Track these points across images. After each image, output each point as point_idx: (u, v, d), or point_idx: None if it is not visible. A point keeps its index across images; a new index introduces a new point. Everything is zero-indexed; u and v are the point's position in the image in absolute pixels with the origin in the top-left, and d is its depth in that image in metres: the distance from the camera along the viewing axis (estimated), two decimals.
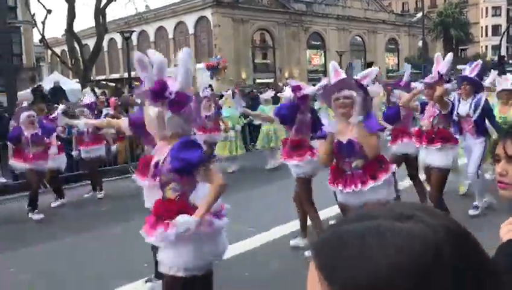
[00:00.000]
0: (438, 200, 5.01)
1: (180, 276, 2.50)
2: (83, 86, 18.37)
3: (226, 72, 32.31)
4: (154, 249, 2.97)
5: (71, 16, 20.10)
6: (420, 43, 46.56)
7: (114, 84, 23.91)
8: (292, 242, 4.84)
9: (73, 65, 20.76)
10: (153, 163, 2.69)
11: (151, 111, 2.61)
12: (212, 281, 2.69)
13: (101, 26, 20.65)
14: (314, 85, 5.18)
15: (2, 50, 12.03)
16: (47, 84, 17.90)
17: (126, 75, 33.46)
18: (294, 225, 5.14)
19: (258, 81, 34.93)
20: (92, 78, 25.62)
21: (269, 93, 10.94)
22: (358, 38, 44.44)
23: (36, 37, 32.88)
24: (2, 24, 12.02)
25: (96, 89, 17.72)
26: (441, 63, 5.19)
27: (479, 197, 5.76)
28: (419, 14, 48.04)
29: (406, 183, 6.38)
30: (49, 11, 22.13)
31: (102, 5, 20.35)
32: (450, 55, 5.40)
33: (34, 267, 4.74)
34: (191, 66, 2.71)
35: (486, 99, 5.61)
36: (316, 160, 4.56)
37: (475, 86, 5.58)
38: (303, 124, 4.74)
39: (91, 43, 24.25)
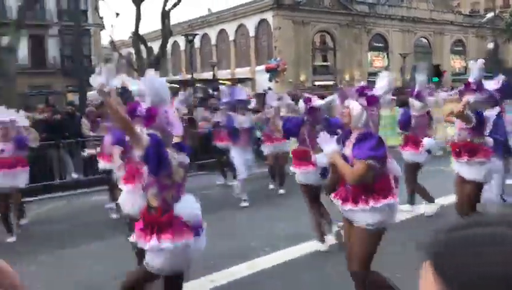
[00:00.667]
0: (464, 212, 4.79)
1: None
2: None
3: (285, 75, 32.23)
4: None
5: (138, 18, 20.79)
6: (490, 45, 44.32)
7: (177, 86, 24.51)
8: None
9: (139, 67, 21.45)
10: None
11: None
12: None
13: (166, 29, 21.21)
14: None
15: (75, 52, 12.65)
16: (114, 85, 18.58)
17: (188, 76, 34.32)
18: None
19: (317, 83, 34.60)
20: None
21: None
22: (423, 40, 42.92)
23: (105, 40, 34.47)
24: (75, 27, 12.62)
25: None
26: (473, 70, 4.96)
27: None
28: (489, 15, 45.73)
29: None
30: (117, 14, 23.05)
31: (168, 8, 20.91)
32: (480, 62, 5.00)
33: (109, 260, 4.88)
34: (158, 83, 3.12)
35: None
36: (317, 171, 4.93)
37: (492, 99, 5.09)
38: (308, 136, 5.06)
39: (155, 45, 24.99)
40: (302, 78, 34.58)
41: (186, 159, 3.13)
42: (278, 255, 4.99)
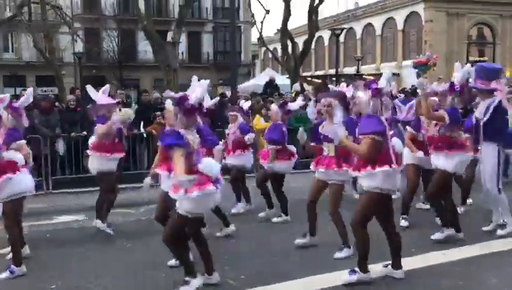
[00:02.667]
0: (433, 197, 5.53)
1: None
2: (293, 82, 19.42)
3: (435, 70, 30.25)
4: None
5: (286, 15, 21.30)
6: None
7: (320, 81, 24.66)
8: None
9: (285, 62, 22.01)
10: None
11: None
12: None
13: (313, 25, 21.40)
14: None
15: (230, 47, 13.47)
16: (262, 79, 19.45)
17: (331, 71, 34.26)
18: None
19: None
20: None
21: None
22: None
23: (253, 36, 36.04)
24: (231, 24, 13.44)
25: (305, 85, 18.55)
26: (458, 72, 5.37)
27: (507, 215, 5.58)
28: None
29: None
30: (267, 11, 23.90)
31: (315, 3, 21.06)
32: (467, 66, 5.61)
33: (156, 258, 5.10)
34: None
35: (500, 101, 5.38)
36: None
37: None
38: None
39: (300, 40, 25.37)
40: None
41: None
42: None
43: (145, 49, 27.79)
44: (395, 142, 4.36)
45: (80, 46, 28.00)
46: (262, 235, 5.92)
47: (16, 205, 4.75)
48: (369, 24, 38.01)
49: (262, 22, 25.97)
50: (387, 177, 4.13)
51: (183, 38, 28.20)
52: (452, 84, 5.37)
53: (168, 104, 4.15)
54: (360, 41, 38.96)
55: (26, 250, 5.22)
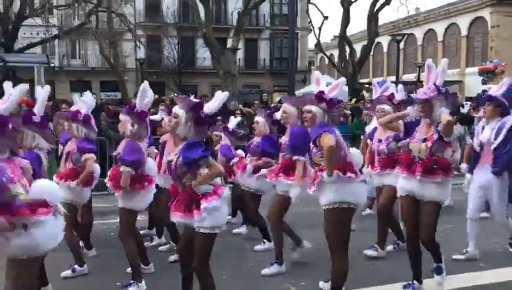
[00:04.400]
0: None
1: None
2: (351, 89, 19.16)
3: (502, 78, 28.84)
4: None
5: (345, 21, 21.09)
6: None
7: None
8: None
9: (343, 68, 21.77)
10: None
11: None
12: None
13: (372, 31, 21.04)
14: None
15: (288, 54, 13.49)
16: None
17: (389, 79, 33.49)
18: None
19: None
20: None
21: None
22: None
23: (310, 43, 35.95)
24: (290, 31, 13.47)
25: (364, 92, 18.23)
26: (434, 72, 4.22)
27: None
28: None
29: None
30: (326, 18, 23.77)
31: (375, 9, 20.71)
32: (444, 62, 4.34)
33: None
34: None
35: None
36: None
37: (500, 106, 4.82)
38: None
39: (358, 47, 25.00)
40: None
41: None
42: None
43: (203, 55, 28.39)
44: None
45: (142, 53, 29.03)
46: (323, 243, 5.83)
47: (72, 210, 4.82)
48: (431, 30, 36.83)
49: (320, 28, 25.85)
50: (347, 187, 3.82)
51: (240, 45, 28.58)
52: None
53: (177, 110, 3.56)
54: (420, 48, 37.83)
55: (92, 252, 5.47)
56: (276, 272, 4.80)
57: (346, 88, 4.78)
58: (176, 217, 3.56)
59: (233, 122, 6.54)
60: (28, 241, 2.85)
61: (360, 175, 3.84)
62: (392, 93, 5.40)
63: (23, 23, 19.20)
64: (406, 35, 26.41)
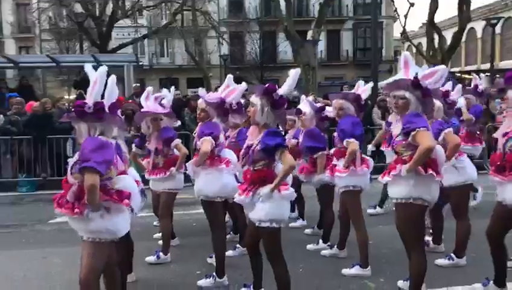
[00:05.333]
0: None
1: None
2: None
3: None
4: None
5: (434, 6, 19.97)
6: None
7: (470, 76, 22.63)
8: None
9: (431, 57, 20.66)
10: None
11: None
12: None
13: (464, 16, 19.72)
14: None
15: (372, 43, 13.07)
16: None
17: (484, 67, 31.25)
18: None
19: None
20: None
21: None
22: None
23: (396, 31, 34.59)
24: (373, 19, 13.04)
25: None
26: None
27: None
28: None
29: None
30: (412, 4, 22.67)
31: None
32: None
33: None
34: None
35: None
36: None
37: None
38: None
39: (448, 34, 23.58)
40: None
41: None
42: None
43: (285, 49, 28.41)
44: None
45: (225, 49, 29.69)
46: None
47: (171, 197, 5.14)
48: None
49: (406, 16, 24.68)
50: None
51: (322, 36, 28.19)
52: None
53: (252, 98, 3.57)
54: None
55: (176, 241, 5.69)
56: (358, 275, 4.58)
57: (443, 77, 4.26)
58: (237, 197, 3.62)
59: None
60: (110, 224, 3.08)
61: (441, 174, 3.58)
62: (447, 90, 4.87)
63: (115, 25, 20.44)
64: (502, 19, 24.51)
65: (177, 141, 5.01)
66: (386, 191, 4.28)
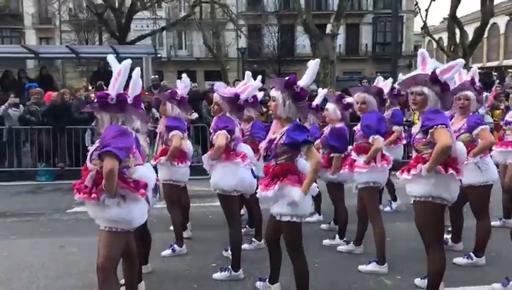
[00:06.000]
0: None
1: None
2: None
3: None
4: None
5: (456, 1, 19.63)
6: None
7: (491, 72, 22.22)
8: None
9: (452, 52, 20.32)
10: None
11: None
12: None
13: (487, 10, 19.33)
14: None
15: (392, 37, 12.90)
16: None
17: (506, 62, 30.65)
18: None
19: None
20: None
21: None
22: None
23: (416, 26, 34.08)
24: (394, 12, 12.85)
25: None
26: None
27: None
28: None
29: None
30: None
31: None
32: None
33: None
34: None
35: None
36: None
37: None
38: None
39: (469, 29, 23.16)
40: None
41: None
42: None
43: (303, 43, 28.21)
44: None
45: (243, 42, 29.60)
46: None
47: (173, 190, 5.09)
48: None
49: (427, 10, 24.30)
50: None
51: (341, 30, 27.92)
52: None
53: (273, 92, 3.51)
54: None
55: (188, 232, 5.69)
56: (375, 271, 4.52)
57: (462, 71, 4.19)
58: (260, 193, 3.56)
59: (317, 100, 5.79)
60: (126, 214, 3.09)
61: (461, 173, 3.50)
62: (473, 78, 4.76)
63: (134, 17, 20.52)
64: None
65: (175, 132, 4.93)
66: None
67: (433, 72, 3.42)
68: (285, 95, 3.43)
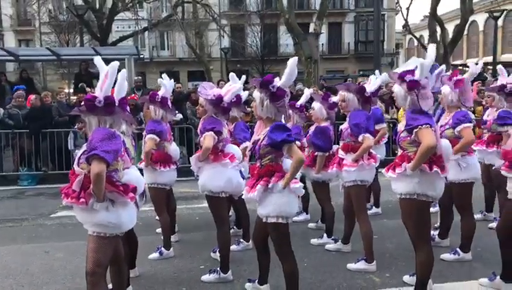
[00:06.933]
0: None
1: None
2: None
3: None
4: None
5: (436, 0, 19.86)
6: None
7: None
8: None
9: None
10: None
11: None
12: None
13: (467, 8, 19.59)
14: None
15: (373, 36, 12.99)
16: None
17: (486, 59, 31.10)
18: None
19: None
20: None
21: None
22: None
23: (398, 24, 34.39)
24: (375, 12, 12.93)
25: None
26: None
27: None
28: None
29: None
30: None
31: None
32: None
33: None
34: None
35: None
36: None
37: None
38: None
39: (450, 26, 23.47)
40: None
41: None
42: None
43: (286, 42, 28.26)
44: None
45: (226, 42, 29.53)
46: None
47: (159, 193, 5.00)
48: None
49: (408, 8, 24.57)
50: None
51: (324, 29, 28.04)
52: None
53: (254, 93, 3.50)
54: None
55: (175, 237, 5.61)
56: (364, 269, 4.53)
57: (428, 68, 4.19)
58: (246, 194, 3.54)
59: (302, 100, 5.82)
60: (114, 218, 3.05)
61: (446, 170, 3.54)
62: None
63: (115, 18, 20.30)
64: (505, 11, 24.37)
65: (149, 136, 4.83)
66: None
67: (401, 72, 3.50)
68: (263, 95, 3.42)
